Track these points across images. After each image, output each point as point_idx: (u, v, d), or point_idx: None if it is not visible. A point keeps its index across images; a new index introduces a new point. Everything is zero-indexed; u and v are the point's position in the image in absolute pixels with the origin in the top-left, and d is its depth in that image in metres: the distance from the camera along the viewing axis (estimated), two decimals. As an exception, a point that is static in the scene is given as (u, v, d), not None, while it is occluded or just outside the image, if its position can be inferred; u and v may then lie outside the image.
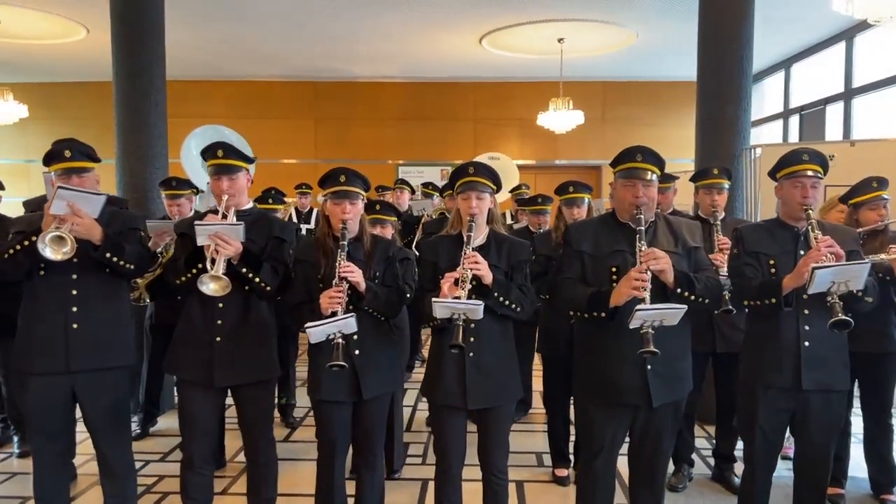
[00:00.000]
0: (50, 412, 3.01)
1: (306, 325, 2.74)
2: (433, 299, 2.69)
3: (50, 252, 2.75)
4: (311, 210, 7.67)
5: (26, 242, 2.87)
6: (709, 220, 4.01)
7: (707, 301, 2.81)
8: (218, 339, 3.05)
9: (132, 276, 3.14)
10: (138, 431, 4.89)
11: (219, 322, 3.05)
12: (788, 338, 2.86)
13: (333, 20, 7.09)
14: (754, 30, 5.26)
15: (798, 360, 2.84)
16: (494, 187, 3.02)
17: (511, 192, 7.74)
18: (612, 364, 2.79)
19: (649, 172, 2.81)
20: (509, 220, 7.41)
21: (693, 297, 2.73)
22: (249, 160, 3.25)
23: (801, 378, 2.84)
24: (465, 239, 2.86)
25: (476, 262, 2.78)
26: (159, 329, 4.53)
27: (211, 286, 2.84)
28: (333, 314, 2.78)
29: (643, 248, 2.68)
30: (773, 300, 2.79)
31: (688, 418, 4.15)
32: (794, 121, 8.76)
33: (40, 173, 11.00)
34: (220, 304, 3.03)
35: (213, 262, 2.89)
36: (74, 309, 2.99)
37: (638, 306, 2.52)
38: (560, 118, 7.76)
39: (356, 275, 2.85)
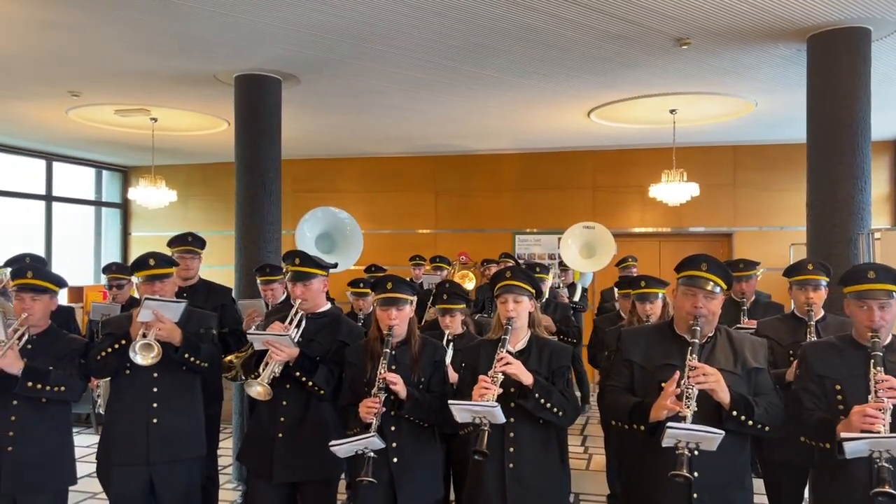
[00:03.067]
0: (132, 501, 3.31)
1: (331, 443, 2.85)
2: (451, 402, 2.71)
3: (140, 358, 3.10)
4: (421, 283, 7.81)
5: (116, 346, 3.25)
6: (804, 319, 3.70)
7: (768, 429, 2.58)
8: (280, 434, 3.24)
9: (206, 373, 3.45)
10: (240, 502, 5.23)
11: (281, 419, 3.25)
12: (859, 478, 2.49)
13: (450, 106, 7.43)
14: (871, 94, 4.85)
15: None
16: (533, 291, 3.01)
17: (618, 265, 7.47)
18: (655, 487, 2.60)
19: (712, 283, 2.65)
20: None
21: (751, 423, 2.51)
22: (324, 267, 3.47)
23: None
24: (500, 342, 2.87)
25: (508, 364, 2.76)
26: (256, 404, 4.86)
27: (256, 389, 3.05)
28: (369, 424, 2.88)
29: (693, 362, 2.53)
30: (828, 445, 2.48)
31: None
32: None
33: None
34: (284, 402, 3.23)
35: (265, 365, 3.12)
36: (155, 405, 3.31)
37: (669, 423, 2.37)
38: (673, 190, 7.46)
39: (397, 385, 2.94)
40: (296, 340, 3.18)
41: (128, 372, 3.32)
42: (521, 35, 5.20)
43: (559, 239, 10.21)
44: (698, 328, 2.61)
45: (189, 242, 4.63)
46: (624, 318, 4.48)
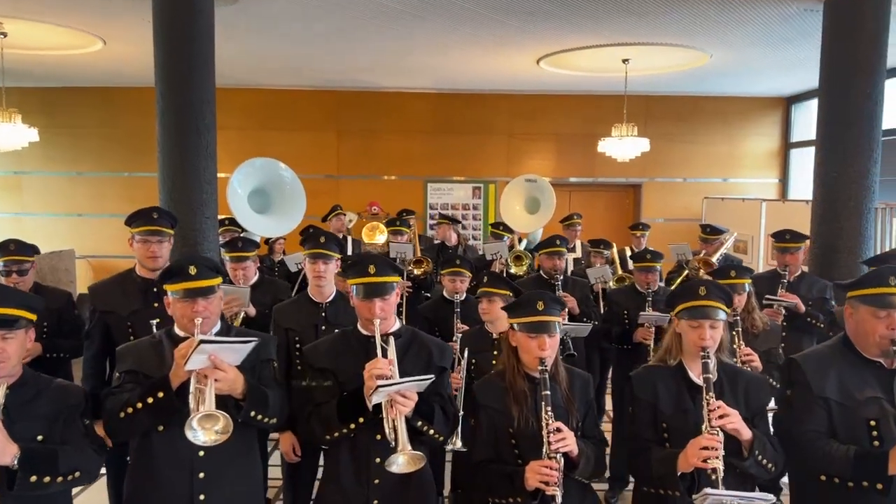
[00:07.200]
0: None
1: None
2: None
3: (202, 435, 2.09)
4: (345, 236, 6.90)
5: (150, 400, 2.22)
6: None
7: None
8: (375, 502, 2.46)
9: (272, 430, 2.51)
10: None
11: (375, 482, 2.46)
12: None
13: (398, 39, 6.43)
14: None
15: None
16: (729, 310, 2.47)
17: (562, 221, 7.07)
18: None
19: None
20: (572, 261, 6.75)
21: None
22: (400, 271, 2.64)
23: None
24: (703, 384, 2.30)
25: (726, 416, 2.23)
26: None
27: (400, 461, 2.23)
28: (536, 494, 2.23)
29: None
30: None
31: None
32: None
33: (34, 186, 9.97)
34: (378, 459, 2.43)
35: (391, 423, 2.29)
36: (202, 475, 2.35)
37: None
38: (625, 146, 7.16)
39: (570, 443, 2.28)
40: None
41: (160, 428, 2.31)
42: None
43: (474, 189, 9.70)
44: None
45: (154, 220, 3.33)
46: (641, 290, 4.23)
